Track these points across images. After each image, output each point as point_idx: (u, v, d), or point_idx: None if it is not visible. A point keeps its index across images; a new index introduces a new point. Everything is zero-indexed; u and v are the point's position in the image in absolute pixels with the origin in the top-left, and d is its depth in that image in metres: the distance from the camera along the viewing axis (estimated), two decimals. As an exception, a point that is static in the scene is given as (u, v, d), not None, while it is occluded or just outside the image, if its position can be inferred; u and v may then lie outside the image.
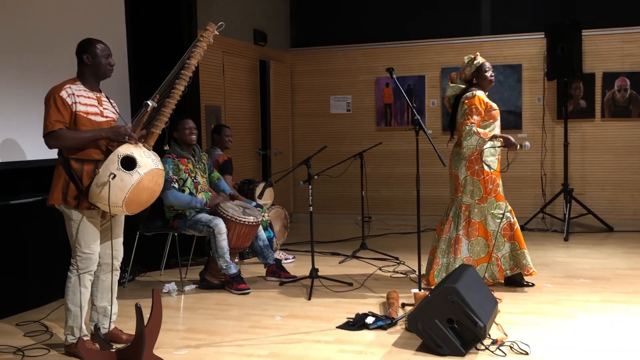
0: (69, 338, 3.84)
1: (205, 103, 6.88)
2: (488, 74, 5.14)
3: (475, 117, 4.94)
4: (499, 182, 5.07)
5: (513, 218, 5.04)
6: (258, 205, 5.98)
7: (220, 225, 5.15)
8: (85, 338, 3.80)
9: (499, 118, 5.09)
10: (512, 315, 4.39)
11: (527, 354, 3.66)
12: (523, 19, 8.15)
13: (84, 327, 3.85)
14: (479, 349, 3.73)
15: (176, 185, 5.19)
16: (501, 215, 4.99)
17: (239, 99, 7.69)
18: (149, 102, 3.80)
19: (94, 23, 5.33)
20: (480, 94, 5.05)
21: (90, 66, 3.79)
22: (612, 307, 4.54)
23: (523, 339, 3.85)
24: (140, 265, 5.87)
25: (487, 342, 3.78)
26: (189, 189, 5.26)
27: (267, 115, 8.23)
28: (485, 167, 4.98)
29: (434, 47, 8.47)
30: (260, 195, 6.34)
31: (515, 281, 5.09)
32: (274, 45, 8.58)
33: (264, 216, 5.89)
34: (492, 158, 5.02)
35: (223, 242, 5.15)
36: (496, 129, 5.05)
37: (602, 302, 4.66)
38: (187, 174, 5.28)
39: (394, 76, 4.85)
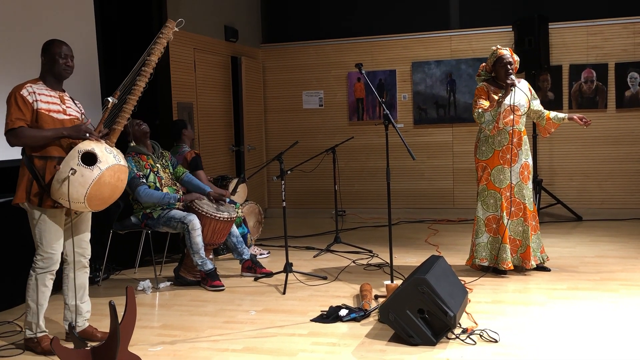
0: (27, 333, 3.92)
1: (177, 100, 6.87)
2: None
3: None
4: (492, 171, 5.21)
5: (501, 213, 5.19)
6: (232, 202, 6.00)
7: (195, 221, 5.17)
8: (40, 335, 3.88)
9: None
10: (481, 304, 4.49)
11: (496, 341, 3.75)
12: (491, 13, 8.27)
13: (41, 323, 3.91)
14: (449, 338, 3.81)
15: (145, 181, 5.21)
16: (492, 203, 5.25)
17: (211, 95, 7.70)
18: (109, 98, 3.81)
19: (63, 16, 5.30)
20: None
21: (46, 66, 3.84)
22: (578, 294, 4.66)
23: (492, 327, 3.94)
24: (115, 263, 5.87)
25: (457, 331, 3.87)
26: (154, 183, 5.28)
27: (239, 112, 8.24)
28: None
29: (404, 41, 8.54)
30: (234, 192, 6.36)
31: (496, 269, 5.25)
32: (246, 42, 8.59)
33: (237, 212, 5.92)
34: (484, 147, 5.24)
35: (198, 237, 5.17)
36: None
37: (569, 290, 4.78)
38: (148, 169, 5.30)
39: (363, 71, 4.90)
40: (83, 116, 4.00)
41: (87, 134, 3.72)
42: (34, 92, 3.73)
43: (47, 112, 3.74)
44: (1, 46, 4.76)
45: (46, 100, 3.76)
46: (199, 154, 6.20)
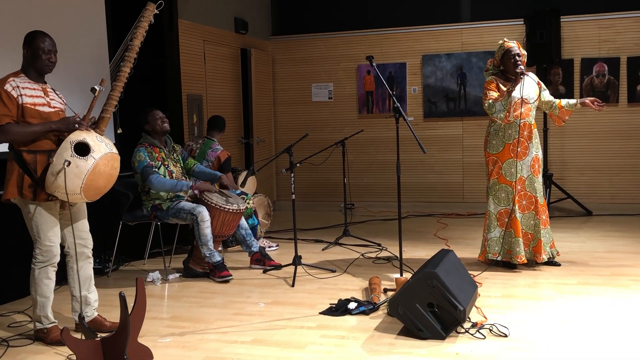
0: (37, 325, 3.96)
1: (186, 92, 6.87)
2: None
3: None
4: (503, 165, 5.19)
5: (513, 206, 5.15)
6: (242, 193, 6.00)
7: (204, 212, 5.17)
8: (49, 326, 3.92)
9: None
10: (491, 298, 4.47)
11: (506, 336, 3.74)
12: (502, 6, 8.21)
13: (50, 315, 3.94)
14: (459, 332, 3.80)
15: (157, 170, 5.21)
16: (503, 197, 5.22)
17: (220, 87, 7.69)
18: (95, 87, 3.78)
19: (72, 7, 5.28)
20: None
21: (28, 59, 3.78)
22: (588, 289, 4.63)
23: (502, 321, 3.93)
24: (124, 254, 5.89)
25: (467, 325, 3.85)
26: (164, 176, 5.28)
27: (249, 104, 8.23)
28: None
29: (414, 34, 8.51)
30: (243, 184, 6.37)
31: (509, 264, 5.23)
32: (255, 34, 8.57)
33: (248, 203, 5.92)
34: (494, 141, 5.21)
35: (207, 229, 5.18)
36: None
37: (579, 285, 4.75)
38: (159, 162, 5.30)
39: (374, 64, 4.88)
40: (66, 107, 3.97)
41: (76, 125, 3.69)
42: (18, 87, 3.68)
43: (32, 106, 3.70)
44: (8, 39, 4.75)
45: (30, 94, 3.72)
46: (230, 156, 6.22)
